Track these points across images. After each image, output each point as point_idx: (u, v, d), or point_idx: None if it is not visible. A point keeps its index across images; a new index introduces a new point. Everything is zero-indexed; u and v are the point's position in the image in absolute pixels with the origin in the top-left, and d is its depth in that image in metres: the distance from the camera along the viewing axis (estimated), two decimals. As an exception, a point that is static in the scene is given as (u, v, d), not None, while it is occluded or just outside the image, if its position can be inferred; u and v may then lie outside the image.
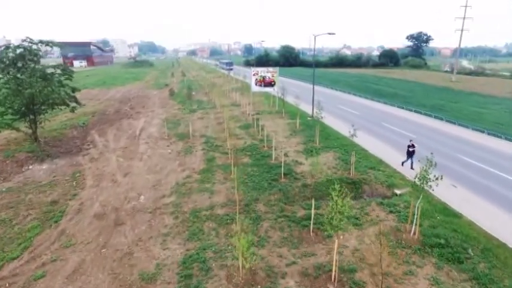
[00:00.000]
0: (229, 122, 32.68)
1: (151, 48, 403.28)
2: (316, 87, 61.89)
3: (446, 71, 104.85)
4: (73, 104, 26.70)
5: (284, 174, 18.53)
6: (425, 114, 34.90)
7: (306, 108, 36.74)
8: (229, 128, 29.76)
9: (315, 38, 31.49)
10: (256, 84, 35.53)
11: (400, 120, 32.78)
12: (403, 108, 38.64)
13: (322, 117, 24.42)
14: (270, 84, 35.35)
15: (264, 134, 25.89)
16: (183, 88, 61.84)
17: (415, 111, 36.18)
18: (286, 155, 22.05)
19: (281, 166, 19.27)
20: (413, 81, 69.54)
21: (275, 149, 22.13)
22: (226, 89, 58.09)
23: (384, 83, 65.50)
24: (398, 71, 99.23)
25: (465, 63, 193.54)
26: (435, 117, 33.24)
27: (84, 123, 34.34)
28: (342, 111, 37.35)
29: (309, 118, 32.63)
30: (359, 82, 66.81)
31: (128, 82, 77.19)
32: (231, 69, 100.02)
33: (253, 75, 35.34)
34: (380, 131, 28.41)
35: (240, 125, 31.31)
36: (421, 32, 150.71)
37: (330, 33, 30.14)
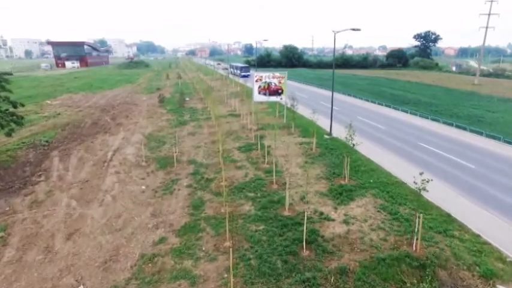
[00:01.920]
0: (226, 140, 26.21)
1: (150, 48, 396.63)
2: (327, 93, 55.25)
3: (460, 73, 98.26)
4: (11, 126, 20.10)
5: (307, 241, 12.03)
6: (474, 131, 27.82)
7: (321, 122, 30.14)
8: (226, 151, 23.28)
9: (334, 36, 24.99)
10: (259, 93, 28.95)
11: (443, 140, 25.88)
12: (438, 121, 31.80)
13: (355, 145, 17.72)
14: (277, 92, 28.76)
15: (271, 161, 19.47)
16: (176, 93, 55.44)
17: (456, 126, 29.34)
18: (305, 199, 15.56)
19: (300, 223, 12.92)
20: (431, 85, 62.97)
21: (288, 187, 15.60)
22: (224, 94, 51.53)
23: (399, 87, 58.96)
24: (410, 73, 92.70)
25: (473, 63, 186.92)
26: (488, 135, 26.38)
27: (47, 141, 27.81)
28: (364, 125, 30.75)
29: (326, 136, 26.04)
30: (372, 86, 60.25)
31: (117, 85, 70.67)
32: (248, 76, 73.88)
33: (256, 81, 28.72)
34: (425, 159, 21.55)
35: (239, 146, 24.79)
36: (429, 31, 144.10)
37: (354, 29, 23.65)
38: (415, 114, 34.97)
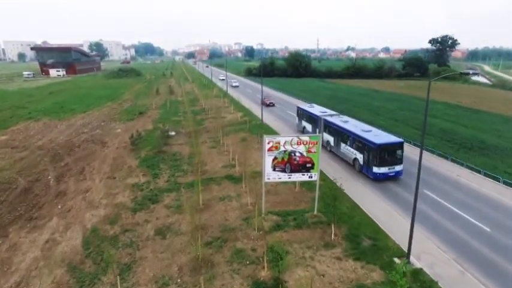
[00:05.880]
0: (216, 264, 14.50)
1: (149, 49, 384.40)
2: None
3: (493, 86, 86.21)
4: None
5: None
6: None
7: (360, 196, 18.30)
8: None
9: (429, 86, 13.27)
10: (274, 168, 17.05)
11: None
12: None
13: None
14: (304, 167, 16.97)
15: None
16: (161, 121, 43.87)
17: None
18: None
19: None
20: (478, 110, 50.48)
21: None
22: (220, 124, 39.27)
23: (441, 114, 46.73)
24: (436, 86, 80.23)
25: (489, 68, 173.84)
26: None
27: None
28: (462, 229, 18.71)
29: (399, 263, 13.96)
30: (406, 112, 47.99)
31: (96, 104, 59.08)
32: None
33: (269, 150, 16.78)
34: None
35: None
36: (446, 36, 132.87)
37: (463, 74, 11.90)
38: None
